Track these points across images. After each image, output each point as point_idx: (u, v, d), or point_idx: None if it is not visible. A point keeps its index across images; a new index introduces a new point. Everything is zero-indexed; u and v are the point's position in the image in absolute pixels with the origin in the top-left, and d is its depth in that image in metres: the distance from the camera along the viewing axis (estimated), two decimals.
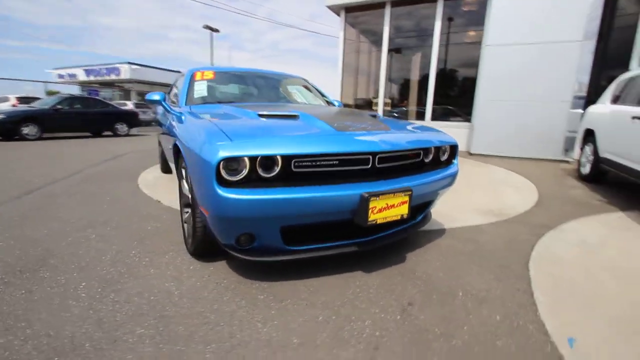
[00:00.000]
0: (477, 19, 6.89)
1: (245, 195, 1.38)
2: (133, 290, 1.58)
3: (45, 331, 1.27)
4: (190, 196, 1.82)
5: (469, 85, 7.23)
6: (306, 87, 3.34)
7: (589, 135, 4.38)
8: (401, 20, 7.84)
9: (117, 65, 24.73)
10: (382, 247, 1.89)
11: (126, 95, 24.36)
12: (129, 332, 1.29)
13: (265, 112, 1.89)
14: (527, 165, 5.43)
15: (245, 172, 1.44)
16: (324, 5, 8.11)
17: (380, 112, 7.87)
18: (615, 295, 1.67)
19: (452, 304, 1.55)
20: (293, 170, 1.50)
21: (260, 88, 3.04)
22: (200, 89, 2.74)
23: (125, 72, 24.49)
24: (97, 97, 13.07)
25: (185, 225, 2.11)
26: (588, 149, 4.39)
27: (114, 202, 3.00)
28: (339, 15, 8.50)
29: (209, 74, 2.90)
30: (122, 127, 10.00)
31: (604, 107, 4.18)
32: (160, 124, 3.66)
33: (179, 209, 2.79)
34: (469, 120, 7.07)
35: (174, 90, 3.49)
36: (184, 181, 2.08)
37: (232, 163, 1.41)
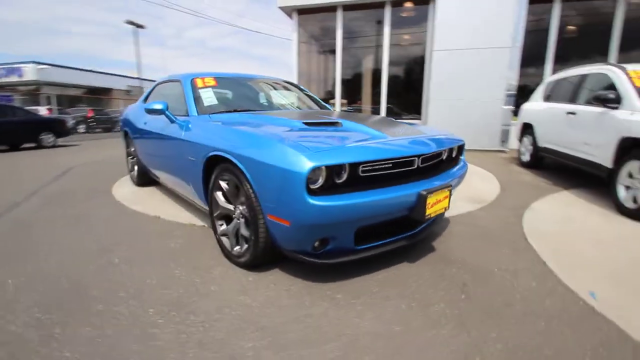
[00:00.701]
0: (422, 24, 7.58)
1: (334, 202, 1.47)
2: (209, 308, 1.55)
3: None
4: (245, 207, 1.82)
5: (416, 85, 7.92)
6: (300, 90, 3.42)
7: (527, 128, 5.19)
8: (353, 23, 8.22)
9: (20, 66, 21.28)
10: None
11: (33, 100, 21.07)
12: (240, 348, 1.29)
13: (310, 121, 1.97)
14: (476, 156, 6.18)
15: (321, 180, 1.52)
16: (277, 6, 8.11)
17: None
18: (602, 258, 2.12)
19: (495, 279, 1.83)
20: (359, 175, 1.62)
21: (264, 93, 3.04)
22: (209, 97, 2.65)
23: (30, 73, 21.19)
24: (12, 104, 11.18)
25: (225, 238, 2.08)
26: (527, 140, 5.20)
27: (108, 223, 2.74)
28: (290, 16, 8.58)
29: (211, 81, 2.81)
30: (48, 138, 8.74)
31: (538, 104, 5.00)
32: (136, 134, 3.40)
33: (185, 222, 2.70)
34: (418, 117, 7.75)
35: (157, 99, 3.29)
36: (218, 193, 2.05)
37: (315, 172, 1.48)
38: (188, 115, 2.51)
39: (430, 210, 1.78)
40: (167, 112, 2.55)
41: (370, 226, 1.70)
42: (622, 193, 3.02)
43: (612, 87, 3.38)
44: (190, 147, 2.23)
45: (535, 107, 5.07)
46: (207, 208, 2.35)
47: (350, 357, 1.24)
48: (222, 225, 2.13)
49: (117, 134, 14.93)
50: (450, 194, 1.92)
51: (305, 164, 1.44)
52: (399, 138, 1.86)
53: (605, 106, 3.30)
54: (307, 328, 1.41)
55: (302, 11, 8.28)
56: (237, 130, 1.87)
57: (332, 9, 8.03)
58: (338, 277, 1.82)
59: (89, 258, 2.08)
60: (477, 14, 6.47)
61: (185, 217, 2.85)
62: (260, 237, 1.74)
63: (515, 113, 6.76)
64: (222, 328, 1.41)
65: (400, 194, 1.66)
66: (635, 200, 2.86)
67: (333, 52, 8.35)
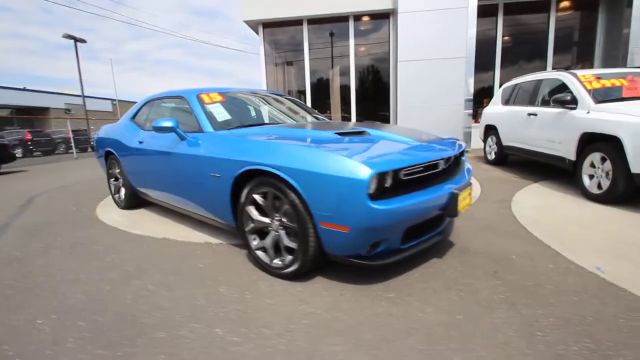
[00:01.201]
0: (384, 35, 8.05)
1: (393, 205, 1.58)
2: (278, 320, 1.56)
3: None
4: (289, 219, 1.85)
5: (383, 93, 8.35)
6: (298, 104, 3.49)
7: (490, 130, 5.74)
8: (319, 34, 8.47)
9: None
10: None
11: None
12: (329, 352, 1.33)
13: (341, 131, 2.06)
14: None
15: (375, 186, 1.62)
16: (242, 20, 8.11)
17: None
18: (590, 238, 2.45)
19: (517, 265, 2.05)
20: (401, 179, 1.75)
21: (267, 106, 3.06)
22: (220, 113, 2.62)
23: None
24: None
25: (260, 252, 2.08)
26: (491, 140, 5.74)
27: (115, 250, 2.57)
28: (256, 30, 8.62)
29: (217, 97, 2.79)
30: None
31: (499, 108, 5.56)
32: (126, 154, 3.23)
33: (201, 241, 2.64)
34: (387, 123, 8.17)
35: (153, 117, 3.18)
36: (251, 208, 2.06)
37: (373, 179, 1.58)
38: (201, 132, 2.47)
39: (461, 207, 1.95)
40: (178, 130, 2.49)
41: (414, 226, 1.83)
42: (587, 181, 3.49)
43: (567, 90, 3.90)
44: (214, 163, 2.21)
45: (496, 110, 5.63)
46: (227, 223, 2.34)
47: (438, 348, 1.34)
48: (255, 239, 2.13)
49: (66, 157, 13.69)
50: (471, 191, 2.12)
51: (366, 172, 1.53)
52: (428, 143, 2.03)
53: (564, 107, 3.81)
54: (381, 327, 1.48)
55: (268, 25, 8.37)
56: (281, 144, 1.90)
57: (297, 22, 8.23)
58: (380, 279, 1.91)
59: (117, 287, 1.95)
60: (434, 27, 7.04)
61: (196, 236, 2.77)
62: (310, 246, 1.78)
63: (473, 116, 7.43)
64: (301, 337, 1.43)
65: (439, 194, 1.82)
66: (599, 187, 3.33)
67: (299, 62, 8.52)
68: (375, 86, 8.48)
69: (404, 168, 1.72)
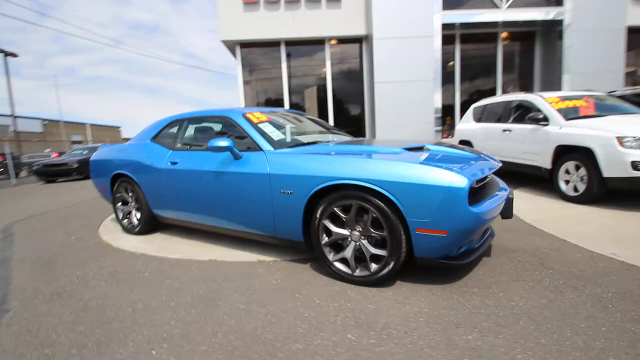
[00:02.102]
0: (357, 59, 8.61)
1: (484, 209, 1.83)
2: (397, 320, 1.68)
3: None
4: (375, 229, 2.01)
5: (359, 110, 8.84)
6: (320, 122, 3.66)
7: (465, 144, 6.41)
8: (296, 56, 8.76)
9: None
10: None
11: None
12: (489, 343, 1.50)
13: (409, 147, 2.29)
14: None
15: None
16: (220, 39, 8.11)
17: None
18: (589, 230, 2.95)
19: (553, 256, 2.41)
20: (475, 187, 2.02)
21: (304, 125, 3.20)
22: (273, 131, 2.69)
23: None
24: None
25: (338, 263, 2.18)
26: None
27: (167, 276, 2.47)
28: (233, 50, 8.66)
29: (262, 116, 2.86)
30: None
31: (471, 125, 6.26)
32: (152, 176, 3.10)
33: (253, 260, 2.68)
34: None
35: (189, 135, 3.14)
36: (327, 221, 2.17)
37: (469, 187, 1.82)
38: (258, 150, 2.53)
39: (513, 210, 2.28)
40: (234, 149, 2.52)
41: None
42: (563, 186, 4.13)
43: (537, 110, 4.61)
44: (285, 181, 2.28)
45: (469, 127, 6.33)
46: (288, 240, 2.41)
47: (546, 326, 1.58)
48: (330, 252, 2.23)
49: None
50: None
51: (464, 181, 1.77)
52: (483, 156, 2.35)
53: (538, 124, 4.48)
54: (490, 316, 1.69)
55: (245, 45, 8.47)
56: (372, 159, 2.06)
57: (275, 43, 8.45)
58: (454, 278, 2.14)
59: (206, 309, 1.91)
60: (406, 53, 7.74)
61: (242, 256, 2.75)
62: (402, 251, 1.95)
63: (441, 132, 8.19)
64: (429, 332, 1.58)
65: (502, 199, 2.12)
66: (576, 189, 3.97)
67: (277, 81, 8.71)
68: (351, 104, 8.95)
69: (482, 178, 2.00)
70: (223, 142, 2.48)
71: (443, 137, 8.25)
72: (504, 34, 8.68)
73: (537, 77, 8.83)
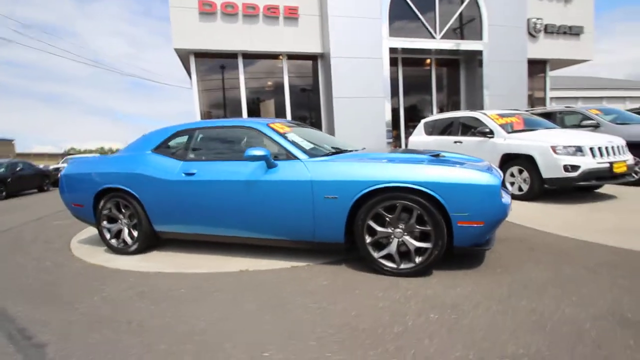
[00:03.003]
0: (314, 74, 9.02)
1: (508, 201, 2.27)
2: (468, 301, 1.97)
3: None
4: (419, 225, 2.30)
5: (315, 124, 9.20)
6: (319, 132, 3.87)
7: None
8: (252, 69, 8.78)
9: None
10: None
11: None
12: (575, 322, 1.86)
13: (433, 155, 2.64)
14: None
15: None
16: (173, 47, 7.73)
17: None
18: (558, 223, 3.68)
19: (536, 242, 2.99)
20: None
21: (315, 134, 3.38)
22: (302, 141, 2.80)
23: None
24: None
25: (383, 260, 2.41)
26: None
27: (207, 292, 2.38)
28: (186, 59, 8.31)
29: (285, 126, 2.96)
30: None
31: (423, 137, 7.07)
32: (161, 189, 2.94)
33: (288, 266, 2.75)
34: None
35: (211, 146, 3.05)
36: (370, 222, 2.40)
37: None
38: (292, 159, 2.63)
39: None
40: (270, 158, 2.59)
41: None
42: (509, 187, 5.01)
43: (483, 124, 5.51)
44: (329, 186, 2.44)
45: (421, 139, 7.13)
46: (325, 242, 2.58)
47: (572, 285, 2.03)
48: (374, 250, 2.44)
49: None
50: None
51: (497, 180, 2.19)
52: (482, 160, 2.83)
53: (485, 136, 5.36)
54: (531, 288, 2.09)
55: (200, 55, 8.22)
56: (421, 165, 2.34)
57: (232, 55, 8.38)
58: (470, 264, 2.53)
59: (280, 314, 1.95)
60: (360, 72, 8.43)
61: (271, 263, 2.78)
62: (444, 242, 2.27)
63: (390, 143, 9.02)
64: (495, 304, 1.90)
65: (509, 194, 2.61)
66: (520, 189, 4.86)
67: (234, 92, 8.61)
68: (309, 117, 9.28)
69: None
70: (259, 151, 2.54)
71: (392, 148, 9.07)
72: (436, 60, 10.02)
73: (463, 96, 10.34)
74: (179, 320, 1.95)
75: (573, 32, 10.91)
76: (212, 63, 8.54)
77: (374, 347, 1.57)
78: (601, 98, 22.48)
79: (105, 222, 3.32)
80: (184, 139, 3.14)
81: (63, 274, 2.85)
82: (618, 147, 4.48)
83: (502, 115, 5.59)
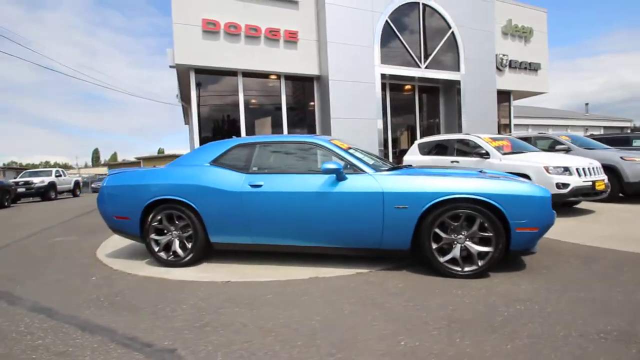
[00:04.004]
0: (311, 95, 9.39)
1: (554, 211, 2.68)
2: (539, 297, 2.30)
3: None
4: (480, 231, 2.63)
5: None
6: None
7: None
8: (252, 87, 8.96)
9: None
10: None
11: None
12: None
13: (480, 171, 3.02)
14: None
15: None
16: (175, 62, 7.71)
17: None
18: (556, 230, 4.23)
19: (552, 247, 3.46)
20: None
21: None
22: (364, 156, 3.07)
23: None
24: None
25: (448, 264, 2.70)
26: None
27: (299, 301, 2.50)
28: (186, 75, 8.31)
29: (344, 144, 3.21)
30: None
31: (419, 157, 7.63)
32: (223, 200, 3.03)
33: (352, 273, 3.01)
34: None
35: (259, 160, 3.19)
36: (437, 230, 2.70)
37: None
38: (360, 173, 2.89)
39: None
40: (342, 172, 2.82)
41: None
42: None
43: (478, 146, 6.14)
44: (400, 197, 2.71)
45: (417, 159, 7.67)
46: (396, 249, 2.83)
47: (601, 278, 2.45)
48: (439, 255, 2.73)
49: None
50: None
51: (549, 193, 2.60)
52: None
53: (482, 157, 5.98)
54: (576, 283, 2.48)
55: (200, 71, 8.26)
56: (481, 178, 2.69)
57: (232, 73, 8.52)
58: (512, 268, 2.91)
59: (385, 312, 2.15)
60: (356, 95, 8.94)
61: (334, 270, 2.95)
62: (504, 247, 2.61)
63: None
64: (557, 298, 2.24)
65: None
66: None
67: (233, 109, 8.70)
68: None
69: None
70: (334, 165, 2.77)
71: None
72: (419, 87, 10.88)
73: (442, 120, 11.25)
74: (292, 321, 2.06)
75: (532, 67, 12.43)
76: (212, 80, 8.60)
77: (491, 333, 1.83)
78: (547, 126, 25.27)
79: (153, 235, 3.29)
80: (245, 152, 3.26)
81: (124, 287, 2.79)
82: (596, 168, 5.26)
83: (494, 139, 6.28)
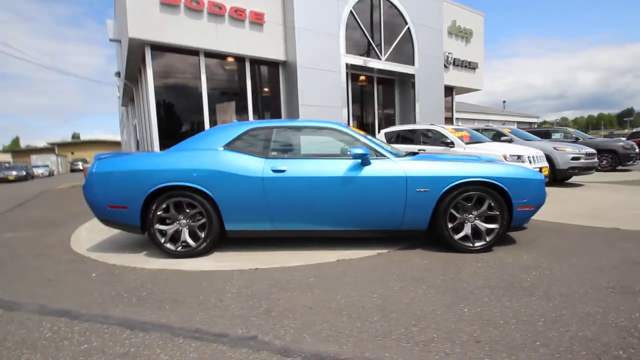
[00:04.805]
0: (277, 80, 9.18)
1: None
2: (543, 265, 2.69)
3: None
4: (487, 211, 2.97)
5: None
6: None
7: None
8: (216, 70, 8.41)
9: None
10: None
11: None
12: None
13: (476, 157, 3.35)
14: None
15: None
16: (110, 37, 6.88)
17: None
18: (553, 214, 4.88)
19: (539, 225, 4.03)
20: None
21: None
22: (380, 142, 3.17)
23: None
24: None
25: (462, 241, 2.99)
26: None
27: (342, 278, 2.55)
28: (139, 51, 7.47)
29: (360, 130, 3.27)
30: None
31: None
32: (245, 186, 2.93)
33: (374, 253, 3.19)
34: None
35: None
36: (452, 210, 2.98)
37: None
38: (383, 157, 3.01)
39: None
40: (368, 157, 2.91)
41: None
42: None
43: (444, 136, 6.70)
44: (421, 181, 2.91)
45: None
46: (415, 229, 3.05)
47: (592, 248, 2.97)
48: (453, 234, 3.01)
49: None
50: None
51: (543, 176, 3.02)
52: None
53: (447, 146, 6.55)
54: (576, 251, 2.96)
55: (157, 47, 7.50)
56: (490, 164, 2.98)
57: (193, 52, 7.91)
58: (508, 242, 3.35)
59: (451, 285, 2.33)
60: (323, 83, 8.98)
61: (356, 252, 3.07)
62: (507, 223, 2.99)
63: None
64: (560, 265, 2.66)
65: None
66: None
67: (194, 92, 8.11)
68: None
69: None
70: (362, 150, 2.86)
71: None
72: (377, 78, 11.33)
73: (398, 111, 11.93)
74: (353, 300, 2.13)
75: (471, 66, 13.77)
76: (170, 59, 7.86)
77: (530, 295, 2.12)
78: (472, 120, 28.24)
79: (158, 224, 3.03)
80: (261, 136, 3.14)
81: (141, 282, 2.54)
82: (541, 156, 6.15)
83: (456, 130, 6.91)
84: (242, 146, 3.11)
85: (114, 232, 4.14)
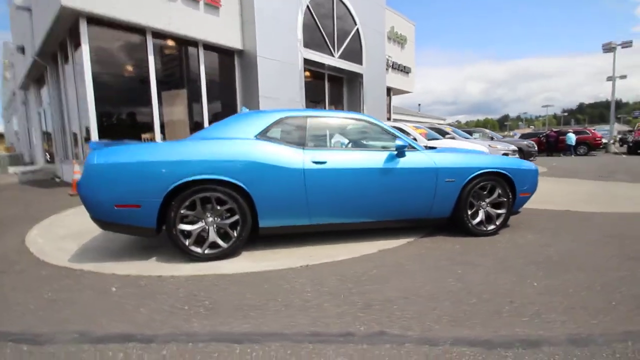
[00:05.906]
0: (232, 69, 8.60)
1: None
2: (550, 249, 3.13)
3: None
4: (496, 198, 3.35)
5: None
6: None
7: None
8: (165, 54, 7.46)
9: None
10: None
11: None
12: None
13: (484, 152, 3.72)
14: None
15: None
16: (61, 4, 5.64)
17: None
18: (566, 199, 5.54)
19: (529, 210, 4.63)
20: None
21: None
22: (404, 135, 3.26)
23: None
24: None
25: (479, 226, 3.31)
26: None
27: (389, 266, 2.57)
28: (72, 24, 6.20)
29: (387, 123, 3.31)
30: None
31: None
32: (285, 178, 2.74)
33: (404, 242, 3.37)
34: None
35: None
36: (471, 199, 3.28)
37: None
38: (413, 150, 3.13)
39: None
40: (405, 150, 2.99)
41: None
42: None
43: (407, 133, 7.20)
44: (450, 172, 3.11)
45: None
46: (440, 217, 3.27)
47: (581, 231, 3.57)
48: (472, 219, 3.30)
49: None
50: None
51: (536, 167, 3.51)
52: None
53: None
54: (571, 232, 3.50)
55: (94, 21, 6.34)
56: (499, 156, 3.32)
57: (139, 30, 6.91)
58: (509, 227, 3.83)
59: (492, 269, 2.52)
60: (282, 75, 8.75)
61: (387, 242, 3.13)
62: (512, 209, 3.41)
63: None
64: (564, 244, 3.15)
65: None
66: None
67: (140, 78, 7.12)
68: (224, 113, 8.68)
69: None
70: (403, 142, 2.94)
71: None
72: (328, 75, 11.52)
73: (346, 109, 12.32)
74: (435, 287, 2.19)
75: (405, 70, 14.99)
76: (111, 35, 6.70)
77: (566, 270, 2.46)
78: (395, 120, 30.81)
79: (181, 225, 2.62)
80: (294, 125, 2.95)
81: (189, 292, 2.17)
82: (514, 150, 7.08)
83: (416, 127, 7.49)
84: (278, 135, 2.89)
85: (83, 237, 3.42)
